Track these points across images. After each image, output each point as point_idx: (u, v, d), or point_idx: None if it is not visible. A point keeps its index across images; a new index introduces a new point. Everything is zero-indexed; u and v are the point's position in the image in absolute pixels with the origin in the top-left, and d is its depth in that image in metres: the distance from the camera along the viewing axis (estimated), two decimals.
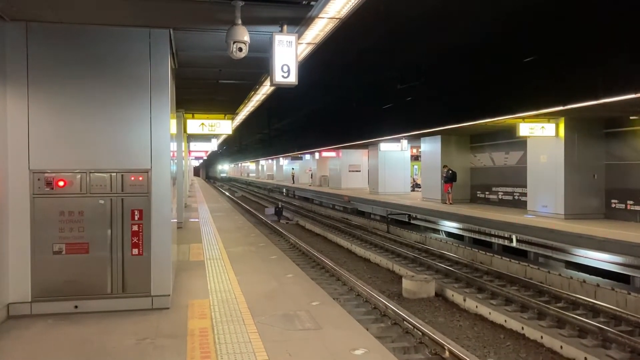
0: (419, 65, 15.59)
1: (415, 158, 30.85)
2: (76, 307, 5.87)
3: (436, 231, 18.44)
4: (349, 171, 33.22)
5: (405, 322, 7.92)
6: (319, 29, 6.06)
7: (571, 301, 9.43)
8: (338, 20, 5.73)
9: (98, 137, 5.97)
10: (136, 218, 6.02)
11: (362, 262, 14.51)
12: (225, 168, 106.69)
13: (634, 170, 13.68)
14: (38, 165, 5.83)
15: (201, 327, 5.47)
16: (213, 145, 24.34)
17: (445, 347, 6.76)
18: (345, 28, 6.00)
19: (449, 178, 19.42)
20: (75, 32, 5.91)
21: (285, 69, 5.56)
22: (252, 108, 14.27)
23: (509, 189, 18.42)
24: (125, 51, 6.04)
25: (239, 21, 5.34)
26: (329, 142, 28.47)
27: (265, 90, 10.81)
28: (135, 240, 6.01)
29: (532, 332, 8.01)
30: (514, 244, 13.74)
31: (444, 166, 19.81)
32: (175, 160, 8.13)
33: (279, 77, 5.57)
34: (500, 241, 14.42)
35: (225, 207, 24.48)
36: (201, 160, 56.84)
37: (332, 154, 33.88)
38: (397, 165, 26.54)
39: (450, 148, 20.80)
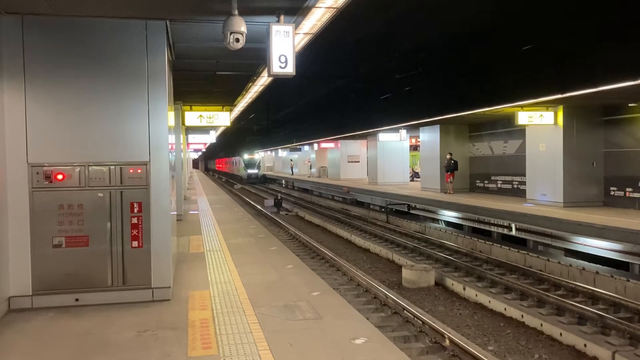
0: (418, 54, 15.53)
1: (414, 148, 30.80)
2: (77, 300, 5.89)
3: (435, 221, 18.47)
4: (348, 162, 33.20)
5: (405, 311, 7.95)
6: (316, 18, 6.01)
7: (570, 288, 9.47)
8: (335, 9, 5.69)
9: (96, 129, 5.96)
10: (135, 211, 6.02)
11: (361, 253, 14.53)
12: (255, 158, 52.20)
13: (632, 157, 13.68)
14: (36, 158, 5.81)
15: (202, 318, 5.49)
16: (212, 137, 24.30)
17: (446, 336, 6.80)
18: (343, 18, 5.96)
19: (451, 167, 19.33)
20: (71, 25, 5.87)
21: (283, 59, 5.53)
22: (251, 99, 14.22)
23: (508, 178, 18.43)
24: (122, 43, 6.01)
25: (236, 11, 5.31)
26: (328, 132, 28.38)
27: (263, 81, 10.76)
28: (134, 232, 6.01)
29: (531, 320, 8.05)
30: (514, 232, 13.77)
31: (449, 154, 19.61)
32: (174, 153, 8.12)
33: (276, 67, 5.54)
34: (500, 230, 14.44)
35: (225, 199, 24.46)
36: (200, 153, 56.73)
37: (331, 144, 33.77)
38: (396, 156, 26.54)
39: (449, 137, 20.77)
